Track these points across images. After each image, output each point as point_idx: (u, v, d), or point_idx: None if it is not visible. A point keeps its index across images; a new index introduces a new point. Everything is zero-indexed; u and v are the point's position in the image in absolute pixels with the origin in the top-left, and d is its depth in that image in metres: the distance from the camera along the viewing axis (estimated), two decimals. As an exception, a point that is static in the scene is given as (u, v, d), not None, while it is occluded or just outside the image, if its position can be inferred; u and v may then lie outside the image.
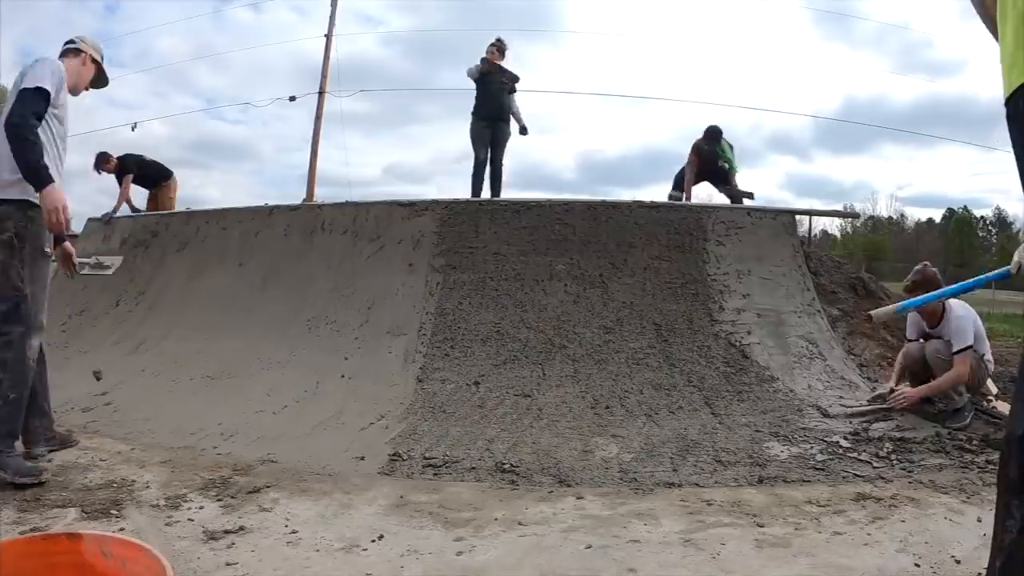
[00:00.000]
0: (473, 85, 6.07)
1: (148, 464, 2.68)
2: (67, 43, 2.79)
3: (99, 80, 2.88)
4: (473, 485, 2.49)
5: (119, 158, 6.69)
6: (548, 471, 2.64)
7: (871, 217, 42.63)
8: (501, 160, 6.08)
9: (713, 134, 6.25)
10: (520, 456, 2.79)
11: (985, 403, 3.42)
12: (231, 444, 3.01)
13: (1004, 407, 3.37)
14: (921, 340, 3.41)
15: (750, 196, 6.29)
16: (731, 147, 6.30)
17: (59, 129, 2.54)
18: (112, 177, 6.69)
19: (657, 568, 1.83)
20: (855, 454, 2.81)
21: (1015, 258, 1.78)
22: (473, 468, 2.67)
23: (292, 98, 13.35)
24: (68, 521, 2.06)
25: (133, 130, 6.94)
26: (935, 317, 3.32)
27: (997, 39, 1.27)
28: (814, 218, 5.99)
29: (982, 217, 43.88)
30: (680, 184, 6.36)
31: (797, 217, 4.70)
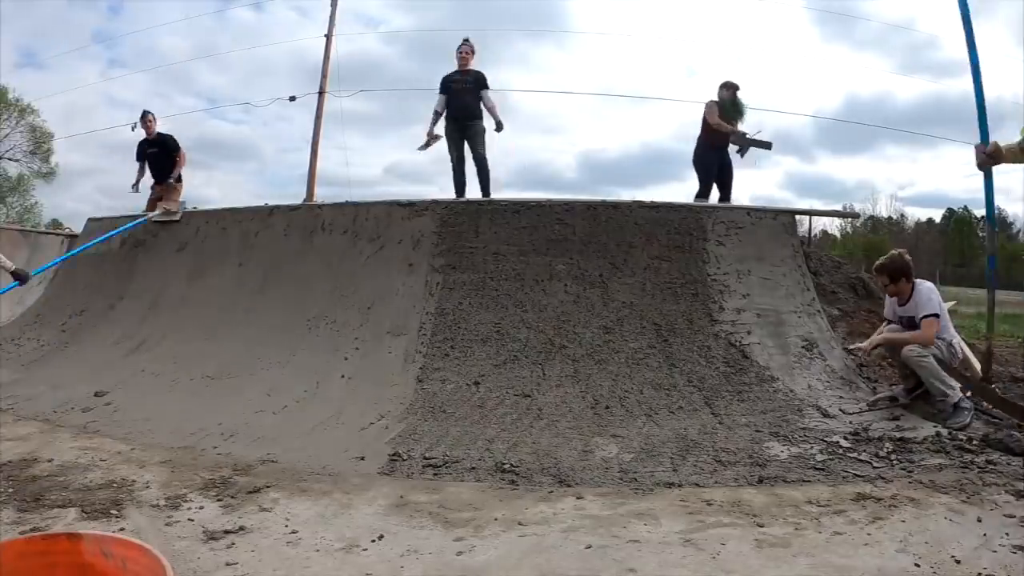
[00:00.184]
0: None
1: (148, 464, 2.68)
2: None
3: None
4: (473, 485, 2.49)
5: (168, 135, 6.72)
6: (548, 471, 2.64)
7: (871, 217, 42.62)
8: (483, 156, 6.05)
9: (732, 84, 6.16)
10: (520, 456, 2.79)
11: (960, 366, 3.45)
12: (231, 444, 3.01)
13: (970, 354, 3.42)
14: (893, 324, 3.52)
15: (768, 146, 6.18)
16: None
17: None
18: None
19: (657, 568, 1.83)
20: (855, 454, 2.81)
21: None
22: (473, 468, 2.67)
23: (292, 98, 13.34)
24: (68, 521, 2.06)
25: (133, 130, 6.90)
26: (903, 296, 3.43)
27: None
28: (814, 218, 5.97)
29: (982, 217, 43.87)
30: (706, 190, 6.20)
31: (797, 217, 4.70)
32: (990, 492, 2.36)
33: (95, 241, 5.76)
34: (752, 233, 4.41)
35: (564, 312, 3.95)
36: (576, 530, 2.08)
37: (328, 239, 4.83)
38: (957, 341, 3.45)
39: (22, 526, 2.00)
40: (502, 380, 3.54)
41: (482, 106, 6.03)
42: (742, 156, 6.10)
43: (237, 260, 5.07)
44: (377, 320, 4.15)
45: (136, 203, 6.99)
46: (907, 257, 3.45)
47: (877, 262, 3.54)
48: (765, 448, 2.88)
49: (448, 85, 6.09)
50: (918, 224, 44.63)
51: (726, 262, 4.24)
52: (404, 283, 4.30)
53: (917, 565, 1.81)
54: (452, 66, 6.21)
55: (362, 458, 2.82)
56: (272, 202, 5.68)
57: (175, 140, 6.79)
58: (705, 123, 6.16)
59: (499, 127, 6.03)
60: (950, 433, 3.02)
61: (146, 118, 6.80)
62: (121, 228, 5.80)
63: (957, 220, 42.92)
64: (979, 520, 2.11)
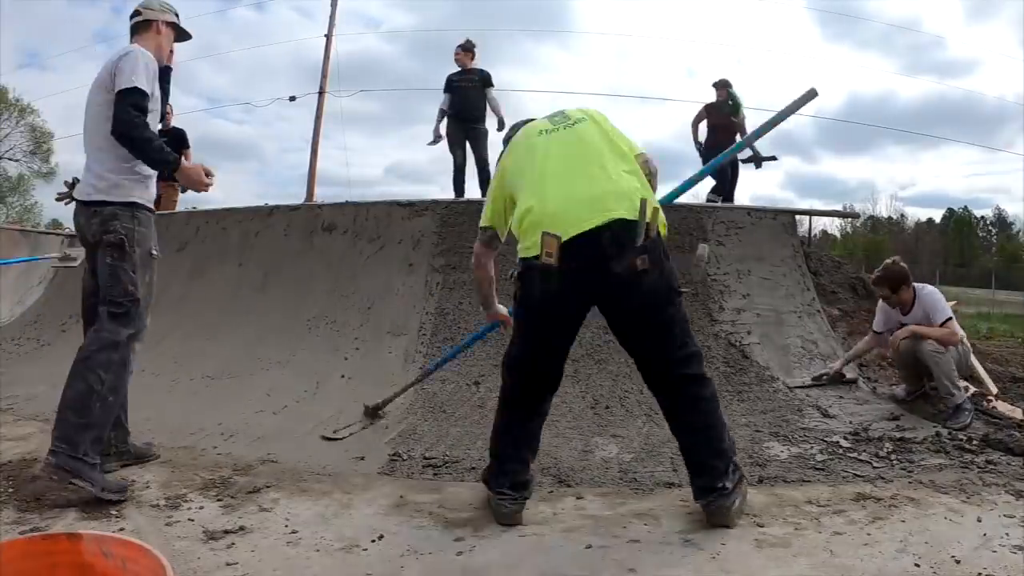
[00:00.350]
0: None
1: (148, 464, 2.67)
2: (133, 16, 2.55)
3: (180, 37, 2.69)
4: (473, 485, 2.49)
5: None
6: (548, 471, 2.64)
7: (871, 217, 42.61)
8: (486, 159, 6.05)
9: (724, 82, 6.21)
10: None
11: (985, 403, 3.42)
12: (231, 444, 3.01)
13: (1004, 407, 3.37)
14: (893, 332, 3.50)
15: (773, 159, 6.26)
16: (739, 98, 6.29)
17: (151, 122, 2.40)
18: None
19: (657, 568, 1.83)
20: (855, 454, 2.81)
21: None
22: (473, 468, 2.67)
23: (292, 98, 13.39)
24: (68, 521, 2.06)
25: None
26: (906, 305, 3.42)
27: None
28: (814, 218, 5.99)
29: (982, 217, 43.89)
30: (720, 189, 6.24)
31: (797, 217, 4.70)
32: (990, 492, 2.36)
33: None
34: (752, 233, 4.41)
35: (564, 312, 3.94)
36: (576, 530, 2.08)
37: (328, 239, 4.83)
38: (967, 345, 3.51)
39: (22, 526, 2.00)
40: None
41: (487, 105, 6.03)
42: (757, 167, 6.16)
43: (237, 260, 5.07)
44: (377, 320, 4.15)
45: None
46: (902, 264, 3.45)
47: (874, 275, 3.54)
48: (765, 448, 2.88)
49: (452, 84, 6.08)
50: (918, 224, 44.66)
51: (726, 262, 4.24)
52: (404, 283, 4.30)
53: (917, 565, 1.81)
54: (455, 66, 6.21)
55: (362, 458, 2.82)
56: (272, 202, 5.69)
57: (186, 136, 6.76)
58: (711, 126, 6.20)
59: (501, 126, 6.04)
60: (950, 433, 3.02)
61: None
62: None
63: (957, 220, 42.95)
64: (979, 520, 2.11)
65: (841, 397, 3.49)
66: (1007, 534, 2.00)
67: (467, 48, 6.09)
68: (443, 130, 6.11)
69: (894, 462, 2.72)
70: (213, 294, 4.89)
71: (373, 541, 1.99)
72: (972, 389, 3.54)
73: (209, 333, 4.49)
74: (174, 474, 2.56)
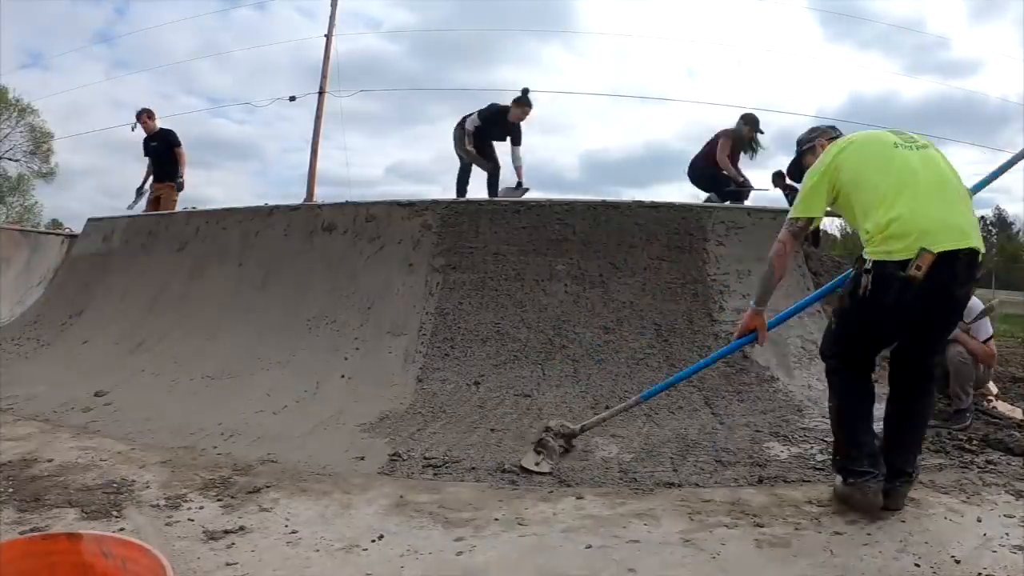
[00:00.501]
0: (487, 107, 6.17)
1: (148, 464, 2.67)
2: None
3: None
4: (473, 485, 2.49)
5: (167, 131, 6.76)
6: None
7: (871, 217, 42.45)
8: (499, 166, 6.16)
9: (754, 120, 6.14)
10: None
11: (985, 403, 3.42)
12: (231, 444, 3.01)
13: (1004, 407, 3.37)
14: None
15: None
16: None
17: None
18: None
19: (657, 568, 1.83)
20: (855, 454, 2.81)
21: None
22: (473, 468, 2.67)
23: (292, 98, 13.40)
24: (68, 521, 2.06)
25: (133, 130, 6.90)
26: None
27: None
28: (814, 218, 5.94)
29: (982, 217, 43.87)
30: (737, 193, 6.17)
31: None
32: (990, 492, 2.36)
33: None
34: (752, 233, 4.40)
35: (564, 312, 3.95)
36: (576, 530, 2.08)
37: (328, 239, 4.83)
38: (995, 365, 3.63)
39: (22, 526, 2.00)
40: (502, 380, 3.54)
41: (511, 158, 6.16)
42: (721, 200, 5.99)
43: (237, 260, 5.06)
44: (377, 320, 4.15)
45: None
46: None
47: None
48: (765, 448, 2.88)
49: (490, 130, 6.13)
50: (918, 224, 44.50)
51: (726, 262, 4.24)
52: (404, 283, 4.30)
53: (917, 565, 1.81)
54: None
55: (362, 458, 2.82)
56: (273, 202, 5.69)
57: (176, 135, 6.78)
58: (712, 145, 6.15)
59: (519, 186, 6.15)
60: (950, 433, 3.03)
61: (140, 117, 6.81)
62: None
63: (957, 220, 42.83)
64: (979, 520, 2.11)
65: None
66: (1007, 534, 2.00)
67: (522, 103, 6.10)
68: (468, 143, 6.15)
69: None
70: (213, 294, 4.89)
71: (373, 541, 1.99)
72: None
73: (209, 333, 4.49)
74: (174, 474, 2.56)
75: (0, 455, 2.69)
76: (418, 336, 3.94)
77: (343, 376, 3.77)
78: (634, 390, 3.44)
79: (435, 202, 4.81)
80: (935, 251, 2.03)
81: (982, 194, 3.28)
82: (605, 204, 4.58)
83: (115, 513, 2.15)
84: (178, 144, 6.73)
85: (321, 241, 4.85)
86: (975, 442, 2.91)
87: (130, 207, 6.83)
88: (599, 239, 4.30)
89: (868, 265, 2.13)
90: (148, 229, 5.91)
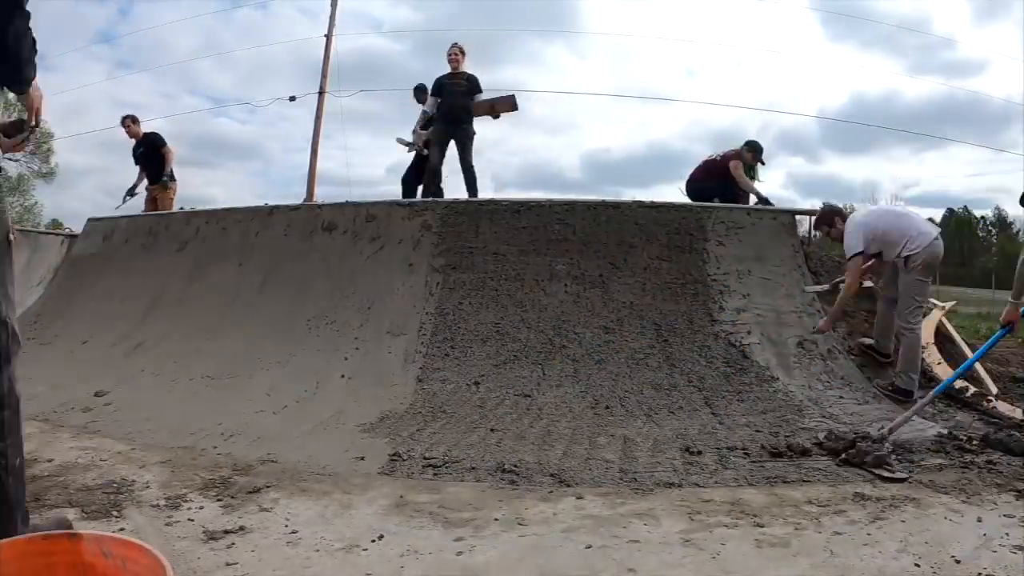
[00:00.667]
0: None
1: (148, 464, 2.67)
2: None
3: None
4: (473, 485, 2.49)
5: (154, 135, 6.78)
6: (548, 471, 2.64)
7: (871, 217, 42.44)
8: (470, 162, 5.91)
9: (757, 147, 6.10)
10: (520, 456, 2.79)
11: (985, 403, 3.42)
12: (231, 444, 3.00)
13: (1004, 407, 3.37)
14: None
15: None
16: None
17: None
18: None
19: (657, 568, 1.83)
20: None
21: None
22: (473, 468, 2.67)
23: (292, 98, 13.37)
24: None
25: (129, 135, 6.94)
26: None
27: None
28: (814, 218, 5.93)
29: (982, 217, 43.85)
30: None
31: (797, 217, 4.70)
32: (990, 492, 2.36)
33: None
34: (752, 233, 4.41)
35: (564, 312, 3.95)
36: (576, 530, 2.08)
37: (328, 239, 4.83)
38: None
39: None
40: (502, 380, 3.54)
41: (472, 107, 6.00)
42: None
43: (237, 260, 5.07)
44: (377, 320, 4.15)
45: (134, 204, 7.02)
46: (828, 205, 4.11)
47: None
48: (765, 448, 2.88)
49: (441, 86, 6.04)
50: (918, 224, 44.49)
51: (726, 262, 4.24)
52: (404, 283, 4.30)
53: (917, 565, 1.81)
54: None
55: (362, 458, 2.82)
56: (274, 202, 5.69)
57: (160, 137, 6.81)
58: (712, 162, 6.12)
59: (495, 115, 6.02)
60: (950, 433, 3.03)
61: (125, 123, 6.82)
62: None
63: (957, 220, 42.89)
64: (979, 520, 2.11)
65: (841, 397, 3.49)
66: (1007, 534, 2.00)
67: (463, 51, 6.05)
68: (425, 135, 6.07)
69: (894, 462, 2.72)
70: (213, 294, 4.89)
71: (373, 541, 1.99)
72: (972, 389, 3.54)
73: (209, 333, 4.49)
74: (174, 474, 2.56)
75: (0, 455, 2.69)
76: (418, 336, 3.94)
77: (343, 376, 3.77)
78: (634, 390, 3.44)
79: (435, 202, 4.81)
80: None
81: (982, 194, 3.36)
82: (605, 204, 4.58)
83: (115, 513, 2.15)
84: (163, 144, 6.75)
85: (321, 241, 4.85)
86: (975, 442, 2.91)
87: (117, 208, 6.85)
88: (599, 239, 4.31)
89: None
90: (148, 229, 5.91)
